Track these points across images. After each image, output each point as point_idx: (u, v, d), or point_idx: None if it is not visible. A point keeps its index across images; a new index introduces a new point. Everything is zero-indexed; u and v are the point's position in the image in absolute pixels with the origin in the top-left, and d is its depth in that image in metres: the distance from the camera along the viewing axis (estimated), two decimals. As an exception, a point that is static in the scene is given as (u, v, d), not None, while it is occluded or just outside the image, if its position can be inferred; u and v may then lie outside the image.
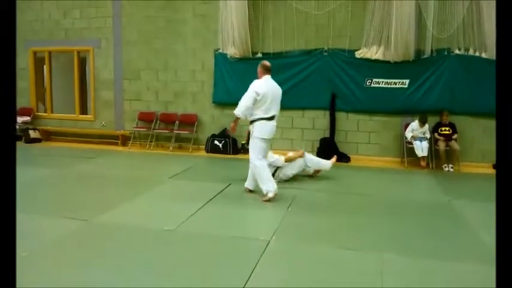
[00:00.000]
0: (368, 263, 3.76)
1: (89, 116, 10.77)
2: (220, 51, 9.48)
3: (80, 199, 5.66)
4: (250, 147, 5.71)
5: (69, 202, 5.51)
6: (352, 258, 3.88)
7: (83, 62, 11.18)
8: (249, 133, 5.84)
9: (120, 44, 10.24)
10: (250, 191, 6.01)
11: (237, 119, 5.64)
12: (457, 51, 8.36)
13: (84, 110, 11.05)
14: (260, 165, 5.63)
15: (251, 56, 9.29)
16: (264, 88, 5.56)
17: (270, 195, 5.54)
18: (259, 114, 5.59)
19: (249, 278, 3.40)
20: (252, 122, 5.67)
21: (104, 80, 10.48)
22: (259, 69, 5.82)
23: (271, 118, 5.64)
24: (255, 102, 5.53)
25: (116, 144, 10.21)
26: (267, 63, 5.83)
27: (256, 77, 9.73)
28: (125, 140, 10.22)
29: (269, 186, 5.58)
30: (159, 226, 4.56)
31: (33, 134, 10.38)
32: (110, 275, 3.42)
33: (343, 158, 8.77)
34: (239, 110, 5.57)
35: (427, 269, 3.69)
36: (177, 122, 9.84)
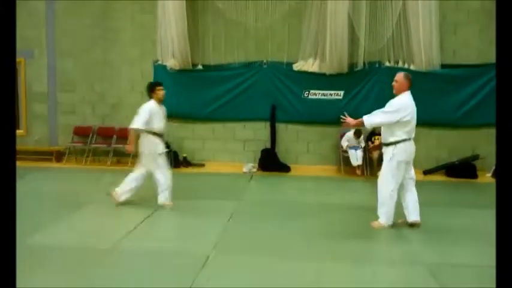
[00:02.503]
0: (307, 273, 3.86)
1: (20, 131, 10.17)
2: (160, 62, 9.38)
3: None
4: (386, 172, 5.05)
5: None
6: (292, 268, 3.96)
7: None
8: (380, 157, 5.12)
9: (54, 54, 9.82)
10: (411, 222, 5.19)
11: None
12: (387, 64, 8.84)
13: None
14: (392, 197, 5.05)
15: (191, 67, 9.28)
16: (411, 108, 4.97)
17: (383, 224, 5.13)
18: (402, 135, 4.95)
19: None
20: (390, 144, 5.03)
21: (36, 92, 9.98)
22: (404, 81, 5.06)
23: (411, 138, 5.08)
24: (398, 122, 4.92)
25: (50, 160, 9.73)
26: (410, 76, 5.18)
27: (199, 87, 9.58)
28: (59, 156, 9.77)
29: (388, 220, 5.11)
30: (95, 245, 4.43)
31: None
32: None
33: (284, 167, 8.95)
34: (372, 121, 5.03)
35: (361, 274, 3.86)
36: (115, 136, 9.57)
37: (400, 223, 5.24)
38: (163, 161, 5.92)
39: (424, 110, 8.85)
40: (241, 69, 9.21)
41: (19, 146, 9.81)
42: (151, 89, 6.10)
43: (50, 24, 9.77)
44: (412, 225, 5.17)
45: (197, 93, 9.34)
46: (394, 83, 5.13)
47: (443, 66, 8.66)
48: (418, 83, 8.71)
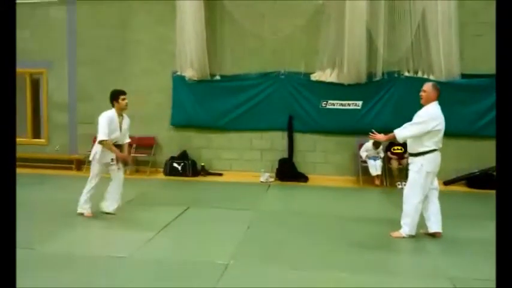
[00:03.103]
0: (326, 283, 3.82)
1: (41, 140, 10.39)
2: (179, 73, 9.48)
3: (23, 226, 5.39)
4: (414, 183, 4.98)
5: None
6: (311, 278, 3.92)
7: (36, 83, 10.82)
8: (405, 167, 5.07)
9: (74, 65, 10.01)
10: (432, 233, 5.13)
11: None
12: (406, 74, 8.76)
13: (36, 134, 10.64)
14: (418, 208, 5.00)
15: (209, 78, 9.36)
16: (441, 118, 4.94)
17: (404, 235, 5.07)
18: (431, 145, 4.91)
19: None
20: (418, 154, 4.97)
21: (57, 102, 10.18)
22: (433, 91, 5.03)
23: (439, 149, 5.01)
24: (429, 132, 4.88)
25: (70, 168, 9.88)
26: (439, 86, 5.13)
27: (217, 97, 9.58)
28: (79, 165, 9.91)
29: (411, 231, 5.03)
30: (111, 253, 4.44)
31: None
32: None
33: (301, 177, 8.91)
34: (404, 135, 4.99)
35: (380, 284, 3.79)
36: (134, 144, 9.65)
37: (421, 234, 5.15)
38: (113, 171, 5.89)
39: (444, 120, 8.79)
40: (259, 79, 9.25)
41: (40, 155, 10.06)
42: (114, 97, 5.86)
43: (70, 35, 9.97)
44: (434, 235, 5.09)
45: (215, 103, 9.40)
46: (422, 93, 5.07)
47: (463, 76, 8.56)
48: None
